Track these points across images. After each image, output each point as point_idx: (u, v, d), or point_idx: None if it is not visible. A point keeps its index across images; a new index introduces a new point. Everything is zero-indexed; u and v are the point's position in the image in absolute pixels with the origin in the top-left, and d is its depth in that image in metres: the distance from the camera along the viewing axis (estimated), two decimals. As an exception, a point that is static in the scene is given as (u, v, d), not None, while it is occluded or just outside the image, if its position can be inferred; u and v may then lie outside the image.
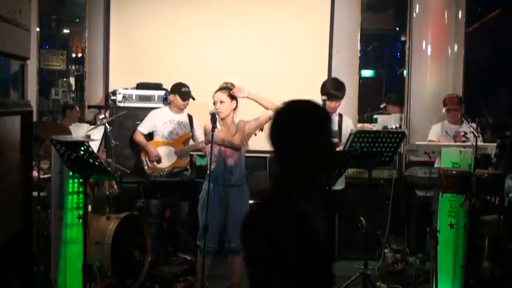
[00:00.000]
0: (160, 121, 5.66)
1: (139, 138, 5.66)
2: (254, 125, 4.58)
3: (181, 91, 5.61)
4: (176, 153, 5.62)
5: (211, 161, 4.28)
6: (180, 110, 5.68)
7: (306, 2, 6.43)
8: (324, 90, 5.04)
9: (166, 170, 5.60)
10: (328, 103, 4.98)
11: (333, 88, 5.03)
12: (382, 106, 7.89)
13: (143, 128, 5.69)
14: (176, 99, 5.62)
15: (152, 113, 5.71)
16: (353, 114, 6.34)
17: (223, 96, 4.48)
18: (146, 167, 5.61)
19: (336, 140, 5.11)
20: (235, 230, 4.50)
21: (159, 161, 5.59)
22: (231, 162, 4.49)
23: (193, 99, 5.64)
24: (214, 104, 4.48)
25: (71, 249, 4.22)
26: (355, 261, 5.58)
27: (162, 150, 5.62)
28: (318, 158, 1.98)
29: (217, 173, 4.42)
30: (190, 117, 5.74)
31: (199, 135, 5.68)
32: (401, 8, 7.67)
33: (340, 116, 5.20)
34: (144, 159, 5.64)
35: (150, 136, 5.71)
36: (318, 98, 5.16)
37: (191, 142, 5.70)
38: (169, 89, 5.71)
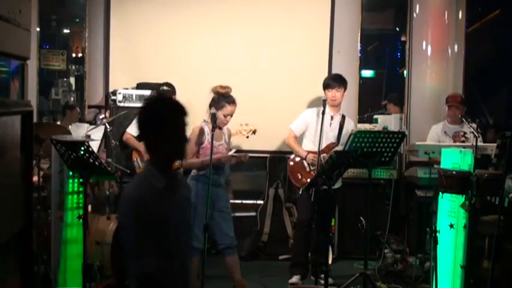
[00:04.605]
0: None
1: (131, 140, 5.64)
2: None
3: (159, 90, 5.63)
4: None
5: (211, 162, 4.26)
6: None
7: (306, 2, 6.43)
8: (323, 84, 5.15)
9: None
10: (326, 93, 5.08)
11: (329, 79, 5.22)
12: (383, 103, 7.90)
13: (133, 130, 5.67)
14: None
15: None
16: (353, 114, 6.33)
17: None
18: (138, 168, 5.60)
19: (333, 140, 5.14)
20: (225, 228, 4.54)
21: None
22: (222, 164, 4.53)
23: (175, 94, 5.62)
24: (225, 116, 4.45)
25: (71, 249, 4.22)
26: (355, 261, 5.59)
27: None
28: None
29: (207, 173, 4.38)
30: None
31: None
32: (402, 8, 7.66)
33: (343, 117, 5.23)
34: (136, 159, 5.63)
35: None
36: (318, 98, 5.19)
37: None
38: None
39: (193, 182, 4.45)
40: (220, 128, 4.58)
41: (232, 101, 4.50)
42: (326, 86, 5.12)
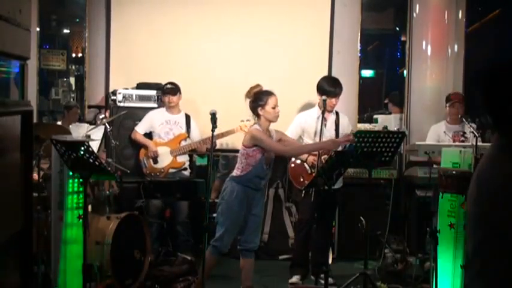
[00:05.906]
0: (157, 122, 5.68)
1: (138, 136, 5.68)
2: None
3: (163, 89, 5.65)
4: (171, 153, 5.62)
5: (212, 163, 4.26)
6: (174, 108, 5.68)
7: (306, 2, 6.42)
8: (320, 88, 5.08)
9: (162, 170, 5.61)
10: (323, 97, 5.04)
11: (329, 85, 5.09)
12: (385, 102, 7.92)
13: (140, 128, 5.72)
14: (163, 98, 5.70)
15: (149, 114, 5.73)
16: (353, 114, 6.33)
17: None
18: (144, 168, 5.63)
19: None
20: (254, 232, 4.51)
21: (155, 160, 5.60)
22: (266, 167, 4.44)
23: (173, 94, 5.62)
24: (273, 108, 4.35)
25: (71, 249, 4.21)
26: (355, 261, 5.58)
27: (158, 151, 5.63)
28: None
29: (250, 176, 4.35)
30: (187, 117, 5.75)
31: (195, 135, 5.69)
32: (402, 8, 7.67)
33: (337, 114, 5.22)
34: (142, 159, 5.65)
35: (149, 137, 5.72)
36: (317, 98, 5.17)
37: (188, 141, 5.70)
38: None
39: (232, 183, 4.38)
40: (268, 130, 4.48)
41: (271, 92, 4.41)
42: (328, 93, 5.01)
